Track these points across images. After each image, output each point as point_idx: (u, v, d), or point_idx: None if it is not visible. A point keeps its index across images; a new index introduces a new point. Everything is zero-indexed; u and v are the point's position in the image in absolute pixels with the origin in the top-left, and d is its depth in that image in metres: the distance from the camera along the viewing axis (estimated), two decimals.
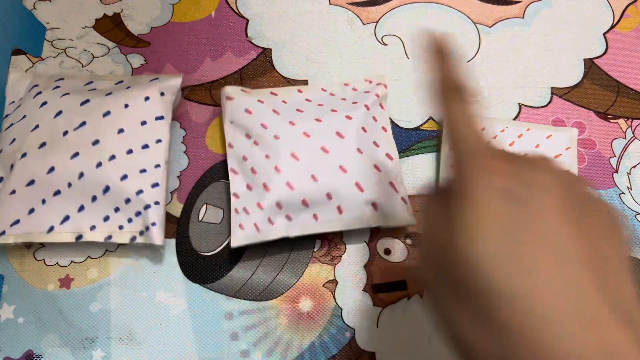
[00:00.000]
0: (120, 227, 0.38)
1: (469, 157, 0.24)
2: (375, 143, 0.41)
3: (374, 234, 0.42)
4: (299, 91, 0.44)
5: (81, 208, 0.39)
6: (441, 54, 0.27)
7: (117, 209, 0.38)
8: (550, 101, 0.47)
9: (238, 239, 0.38)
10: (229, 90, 0.43)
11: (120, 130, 0.40)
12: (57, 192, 0.38)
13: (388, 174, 0.41)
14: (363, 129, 0.41)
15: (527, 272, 0.21)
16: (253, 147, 0.40)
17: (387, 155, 0.41)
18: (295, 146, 0.40)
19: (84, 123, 0.39)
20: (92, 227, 0.38)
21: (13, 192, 0.38)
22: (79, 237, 0.38)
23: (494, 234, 0.22)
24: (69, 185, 0.38)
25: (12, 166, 0.39)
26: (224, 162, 0.43)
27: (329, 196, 0.39)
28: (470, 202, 0.22)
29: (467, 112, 0.25)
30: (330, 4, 0.50)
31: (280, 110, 0.42)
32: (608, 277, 0.21)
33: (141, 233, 0.38)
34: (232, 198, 0.40)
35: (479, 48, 0.48)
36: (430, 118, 0.45)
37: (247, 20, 0.49)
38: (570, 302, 0.20)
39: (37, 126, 0.39)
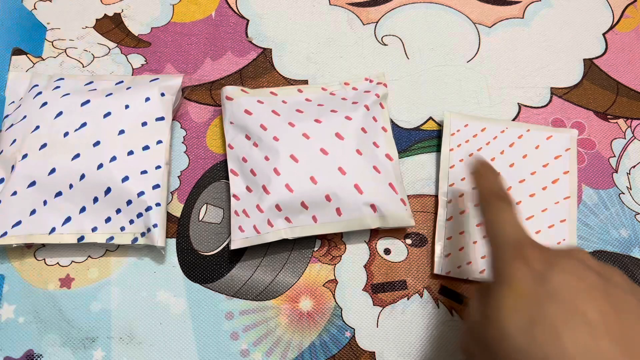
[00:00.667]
0: (122, 229, 0.38)
1: (508, 249, 0.29)
2: (375, 143, 0.41)
3: (373, 234, 0.42)
4: (299, 91, 0.44)
5: (82, 209, 0.39)
6: (486, 170, 0.35)
7: (118, 211, 0.39)
8: (550, 101, 0.47)
9: (237, 242, 0.39)
10: (229, 90, 0.43)
11: (121, 131, 0.40)
12: (59, 194, 0.39)
13: (387, 175, 0.41)
14: (363, 129, 0.41)
15: (550, 336, 0.24)
16: (252, 148, 0.40)
17: (387, 155, 0.41)
18: (295, 148, 0.40)
19: (84, 124, 0.40)
20: (94, 229, 0.38)
21: (14, 193, 0.38)
22: (81, 238, 0.38)
23: (520, 306, 0.26)
24: (70, 186, 0.38)
25: (12, 167, 0.39)
26: (224, 162, 0.43)
27: (328, 198, 0.39)
28: (505, 283, 0.28)
29: (510, 214, 0.31)
30: (330, 4, 0.50)
31: (280, 111, 0.42)
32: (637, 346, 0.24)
33: (143, 234, 0.38)
34: (232, 199, 0.40)
35: (478, 48, 0.48)
36: (430, 118, 0.46)
37: (248, 20, 0.49)
38: None
39: (37, 127, 0.40)
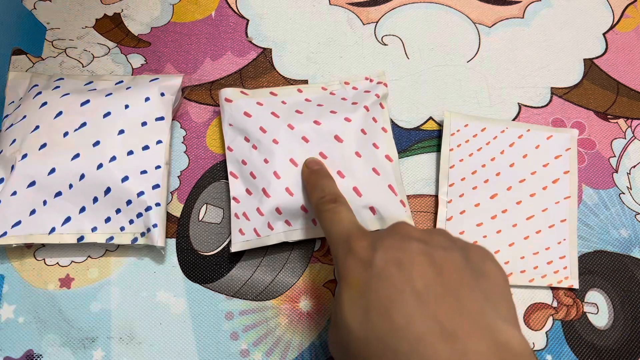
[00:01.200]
0: (122, 229, 0.38)
1: (340, 247, 0.29)
2: (374, 145, 0.41)
3: None
4: (299, 91, 0.44)
5: (82, 209, 0.39)
6: (316, 178, 0.36)
7: (118, 211, 0.39)
8: (550, 101, 0.47)
9: (237, 244, 0.39)
10: (228, 92, 0.43)
11: (121, 131, 0.40)
12: (58, 194, 0.38)
13: (387, 176, 0.41)
14: (362, 131, 0.41)
15: (382, 316, 0.24)
16: (252, 151, 0.40)
17: (387, 156, 0.41)
18: (294, 151, 0.40)
19: (84, 124, 0.40)
20: (94, 229, 0.38)
21: (14, 193, 0.38)
22: (81, 238, 0.38)
23: (354, 297, 0.26)
24: (70, 186, 0.38)
25: (12, 167, 0.39)
26: (224, 162, 0.43)
27: None
28: (342, 280, 0.28)
29: (344, 213, 0.32)
30: (330, 4, 0.50)
31: (279, 112, 0.41)
32: (468, 301, 0.24)
33: (142, 234, 0.38)
34: (232, 202, 0.40)
35: (478, 48, 0.48)
36: (430, 118, 0.46)
37: (247, 20, 0.49)
38: (428, 325, 0.23)
39: (37, 127, 0.39)
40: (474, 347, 0.22)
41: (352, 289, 0.26)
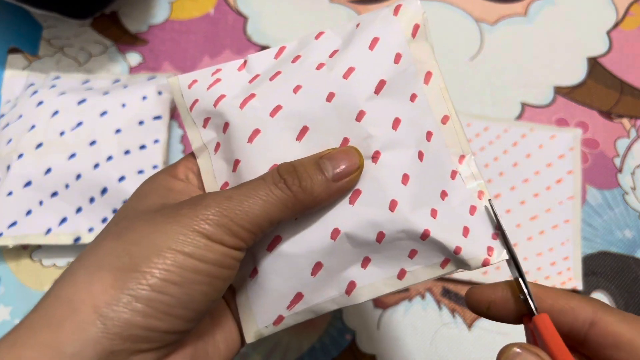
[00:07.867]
0: None
1: None
2: (443, 192, 0.26)
3: None
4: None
5: (79, 209, 0.38)
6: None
7: (114, 211, 0.38)
8: (554, 100, 0.46)
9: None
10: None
11: (118, 130, 0.39)
12: (55, 194, 0.38)
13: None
14: (419, 156, 0.25)
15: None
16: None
17: (476, 197, 0.26)
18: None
19: (80, 123, 0.39)
20: (90, 229, 0.38)
21: (10, 193, 0.38)
22: (77, 239, 0.38)
23: None
24: (67, 186, 0.38)
25: (8, 167, 0.38)
26: None
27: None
28: None
29: None
30: (330, 1, 0.49)
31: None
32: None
33: None
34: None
35: (481, 46, 0.48)
36: None
37: (246, 17, 0.48)
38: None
39: (33, 126, 0.39)
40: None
41: None
